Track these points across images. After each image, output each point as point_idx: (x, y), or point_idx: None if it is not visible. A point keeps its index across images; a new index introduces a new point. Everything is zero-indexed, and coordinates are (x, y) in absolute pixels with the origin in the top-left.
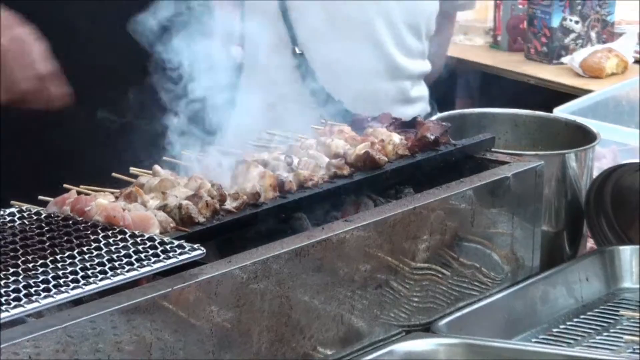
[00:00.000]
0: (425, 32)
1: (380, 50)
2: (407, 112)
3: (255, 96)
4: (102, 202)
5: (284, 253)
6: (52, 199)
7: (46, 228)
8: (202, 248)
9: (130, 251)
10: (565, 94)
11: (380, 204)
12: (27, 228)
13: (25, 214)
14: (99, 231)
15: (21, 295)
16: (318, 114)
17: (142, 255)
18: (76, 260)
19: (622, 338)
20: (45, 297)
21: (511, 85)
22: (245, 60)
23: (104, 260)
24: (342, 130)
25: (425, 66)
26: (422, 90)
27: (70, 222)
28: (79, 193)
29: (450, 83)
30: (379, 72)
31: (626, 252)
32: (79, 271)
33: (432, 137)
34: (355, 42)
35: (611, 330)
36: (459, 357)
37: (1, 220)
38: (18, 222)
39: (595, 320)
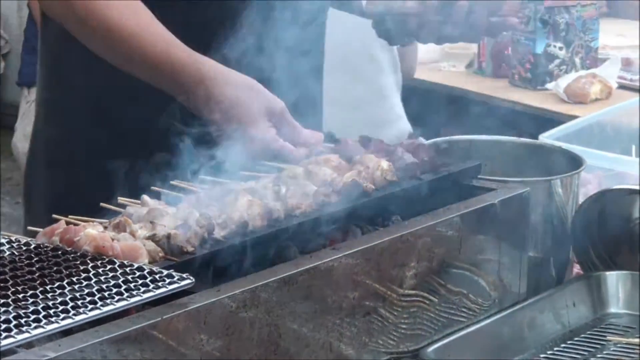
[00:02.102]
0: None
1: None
2: (401, 127)
3: None
4: (91, 232)
5: (273, 281)
6: (40, 230)
7: (35, 258)
8: (191, 277)
9: (120, 281)
10: (550, 120)
11: (367, 231)
12: (17, 258)
13: (14, 244)
14: (88, 261)
15: (11, 325)
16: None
17: (132, 285)
18: (66, 291)
19: None
20: (35, 327)
21: (496, 111)
22: None
23: (94, 290)
24: (329, 159)
25: (396, 80)
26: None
27: (60, 252)
28: (67, 223)
29: (435, 110)
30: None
31: (613, 277)
32: (69, 301)
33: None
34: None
35: (598, 356)
36: None
37: None
38: (7, 252)
39: (583, 346)
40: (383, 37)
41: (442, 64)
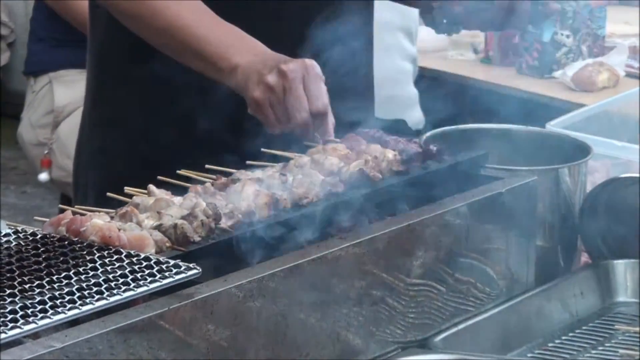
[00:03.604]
0: (415, 36)
1: (389, 58)
2: (414, 115)
3: None
4: (98, 223)
5: (280, 271)
6: (47, 220)
7: (42, 249)
8: (198, 267)
9: (126, 271)
10: (558, 108)
11: (374, 220)
12: (23, 249)
13: (20, 235)
14: (95, 251)
15: (18, 316)
16: None
17: (138, 275)
18: (72, 281)
19: (617, 352)
20: (42, 317)
21: (503, 100)
22: None
23: (100, 280)
24: (336, 148)
25: (414, 70)
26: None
27: (66, 242)
28: (74, 213)
29: (442, 99)
30: (390, 79)
31: (620, 265)
32: (76, 291)
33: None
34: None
35: (606, 345)
36: None
37: None
38: (14, 242)
39: (591, 335)
40: (430, 25)
41: (449, 52)
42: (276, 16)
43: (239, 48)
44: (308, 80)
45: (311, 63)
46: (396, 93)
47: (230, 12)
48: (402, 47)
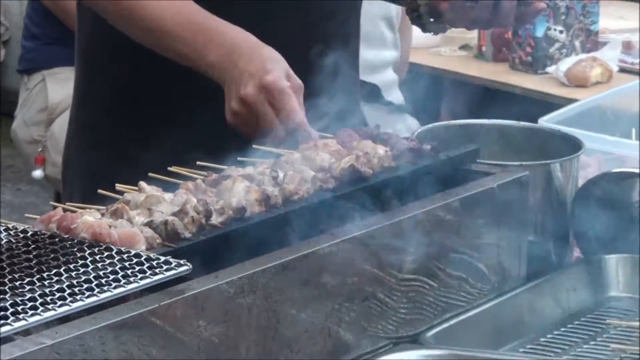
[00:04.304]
0: (396, 21)
1: (368, 47)
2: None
3: None
4: (88, 219)
5: (271, 267)
6: (38, 217)
7: (33, 246)
8: (189, 264)
9: (117, 268)
10: (551, 104)
11: (366, 216)
12: (14, 246)
13: (11, 232)
14: (86, 248)
15: (8, 313)
16: None
17: (129, 272)
18: (63, 278)
19: (609, 347)
20: (32, 314)
21: (496, 95)
22: None
23: (91, 277)
24: (327, 144)
25: (395, 56)
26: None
27: (57, 239)
28: (65, 210)
29: (435, 94)
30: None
31: (612, 260)
32: (66, 288)
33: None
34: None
35: (598, 339)
36: None
37: None
38: (4, 239)
39: (583, 329)
40: (416, 24)
41: (442, 48)
42: (266, 15)
43: (214, 43)
44: (274, 101)
45: (278, 77)
46: (375, 81)
47: (224, 12)
48: (382, 36)
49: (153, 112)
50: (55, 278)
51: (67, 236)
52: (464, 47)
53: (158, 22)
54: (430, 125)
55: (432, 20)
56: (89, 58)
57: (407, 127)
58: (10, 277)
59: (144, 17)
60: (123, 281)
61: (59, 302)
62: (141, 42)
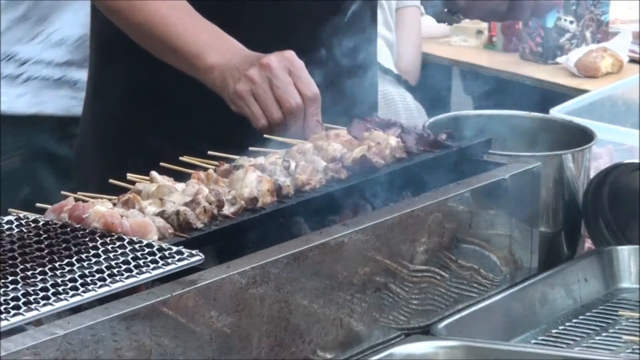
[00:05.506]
0: (393, 23)
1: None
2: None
3: None
4: (100, 209)
5: (283, 257)
6: (49, 206)
7: (44, 236)
8: (201, 254)
9: (129, 258)
10: (561, 94)
11: (378, 207)
12: (26, 236)
13: (23, 222)
14: (97, 238)
15: (20, 303)
16: None
17: (141, 262)
18: (75, 268)
19: (621, 338)
20: (44, 305)
21: (507, 86)
22: None
23: (103, 267)
24: (339, 134)
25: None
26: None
27: (69, 229)
28: (76, 200)
29: (446, 85)
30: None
31: (624, 252)
32: (78, 278)
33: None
34: None
35: (610, 331)
36: (459, 359)
37: None
38: (16, 230)
39: (594, 321)
40: (431, 14)
41: (453, 38)
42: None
43: (215, 47)
44: (294, 69)
45: (292, 54)
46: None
47: (236, 14)
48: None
49: (167, 103)
50: (67, 268)
51: (78, 226)
52: (480, 32)
53: (157, 18)
54: (440, 116)
55: (446, 10)
56: (103, 48)
57: (400, 94)
58: (22, 267)
59: (144, 12)
60: (135, 271)
61: (71, 292)
62: (137, 38)
